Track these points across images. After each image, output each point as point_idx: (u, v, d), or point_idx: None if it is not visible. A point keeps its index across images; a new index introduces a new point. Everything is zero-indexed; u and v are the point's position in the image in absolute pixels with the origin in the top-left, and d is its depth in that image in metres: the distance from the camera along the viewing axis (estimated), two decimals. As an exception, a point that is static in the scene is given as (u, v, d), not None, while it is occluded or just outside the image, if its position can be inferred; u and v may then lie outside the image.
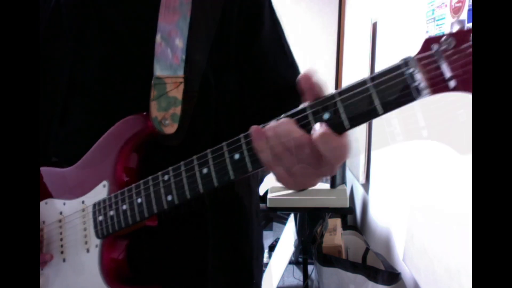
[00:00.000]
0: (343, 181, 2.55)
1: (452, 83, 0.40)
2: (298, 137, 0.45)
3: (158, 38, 0.65)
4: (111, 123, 0.65)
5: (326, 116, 0.45)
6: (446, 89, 0.40)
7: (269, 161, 0.47)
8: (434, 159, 1.28)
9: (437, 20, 1.21)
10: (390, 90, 0.42)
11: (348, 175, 2.89)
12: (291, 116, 0.47)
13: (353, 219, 2.85)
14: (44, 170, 0.72)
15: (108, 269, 0.64)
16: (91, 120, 0.71)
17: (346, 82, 3.35)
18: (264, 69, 0.74)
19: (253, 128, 0.48)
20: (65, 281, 0.68)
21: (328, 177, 2.43)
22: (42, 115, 0.70)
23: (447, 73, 0.40)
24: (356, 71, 2.74)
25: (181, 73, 0.66)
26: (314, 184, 0.49)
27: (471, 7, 1.01)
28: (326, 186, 2.44)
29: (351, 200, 2.90)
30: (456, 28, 0.41)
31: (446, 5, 1.15)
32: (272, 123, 0.48)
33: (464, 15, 1.04)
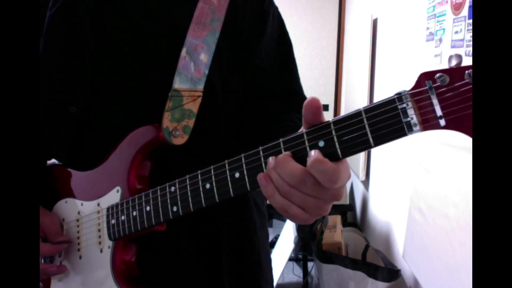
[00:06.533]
0: (343, 178, 2.55)
1: (442, 122, 0.40)
2: (297, 172, 0.45)
3: (183, 52, 0.65)
4: (129, 129, 0.67)
5: (321, 143, 0.45)
6: (437, 126, 0.40)
7: (282, 204, 0.47)
8: (434, 155, 1.28)
9: (438, 17, 1.21)
10: (383, 123, 0.42)
11: (348, 172, 2.89)
12: (288, 142, 0.47)
13: (353, 216, 2.86)
14: (65, 170, 0.75)
15: (119, 270, 0.67)
16: (109, 124, 0.71)
17: (345, 80, 3.35)
18: (261, 73, 0.74)
19: (259, 175, 0.48)
20: (80, 276, 0.73)
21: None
22: (52, 114, 0.69)
23: (439, 111, 0.40)
24: (356, 68, 2.73)
25: (201, 87, 0.67)
26: (327, 211, 0.49)
27: (472, 3, 1.00)
28: (326, 183, 2.44)
29: (351, 197, 2.91)
30: (453, 63, 0.41)
31: (446, 2, 1.15)
32: (272, 162, 0.47)
33: (465, 11, 1.04)
